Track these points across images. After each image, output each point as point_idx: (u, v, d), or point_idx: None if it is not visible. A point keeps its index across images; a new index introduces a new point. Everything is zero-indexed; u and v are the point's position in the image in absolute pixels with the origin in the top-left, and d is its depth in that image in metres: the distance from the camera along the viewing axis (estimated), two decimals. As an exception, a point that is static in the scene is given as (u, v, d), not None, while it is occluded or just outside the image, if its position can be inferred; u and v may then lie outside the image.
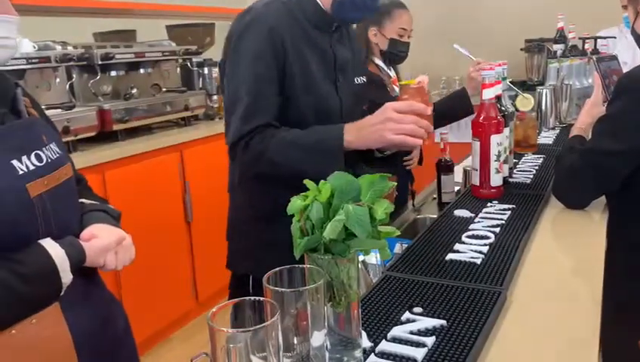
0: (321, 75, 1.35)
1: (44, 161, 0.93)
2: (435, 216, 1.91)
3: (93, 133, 2.45)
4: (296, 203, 0.74)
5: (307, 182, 0.76)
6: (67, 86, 2.43)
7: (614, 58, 1.64)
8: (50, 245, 0.90)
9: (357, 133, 1.22)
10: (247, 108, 1.26)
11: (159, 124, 2.90)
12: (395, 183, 0.79)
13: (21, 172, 0.89)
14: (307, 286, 0.67)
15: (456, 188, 1.99)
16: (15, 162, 0.89)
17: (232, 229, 1.50)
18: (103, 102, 2.56)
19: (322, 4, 1.34)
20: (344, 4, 1.32)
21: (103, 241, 0.98)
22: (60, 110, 2.30)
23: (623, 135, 1.28)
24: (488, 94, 1.46)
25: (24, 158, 0.90)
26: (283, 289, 0.65)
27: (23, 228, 0.88)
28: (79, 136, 2.37)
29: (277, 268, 0.72)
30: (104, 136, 2.54)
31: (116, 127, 2.55)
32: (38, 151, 0.93)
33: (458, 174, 1.98)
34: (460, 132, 3.39)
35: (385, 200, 0.73)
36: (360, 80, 1.50)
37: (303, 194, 0.76)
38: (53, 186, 0.94)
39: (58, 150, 0.99)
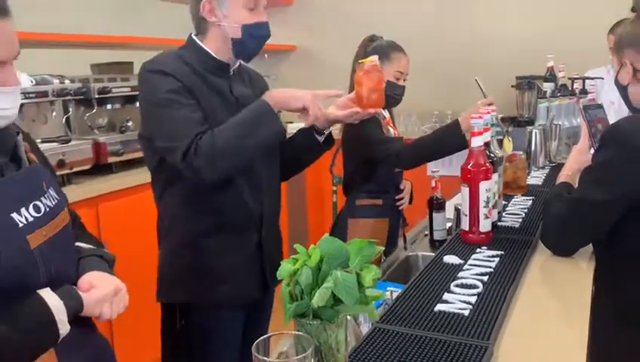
0: (225, 116, 1.45)
1: (42, 211, 0.95)
2: (427, 254, 1.94)
3: (88, 166, 2.47)
4: (285, 267, 0.76)
5: (297, 246, 0.78)
6: (63, 120, 2.45)
7: (600, 107, 1.68)
8: (48, 296, 0.92)
9: (280, 91, 1.48)
10: (182, 126, 1.37)
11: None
12: (383, 248, 0.81)
13: (21, 224, 0.91)
14: (296, 357, 0.68)
15: (448, 225, 2.01)
16: (15, 215, 0.91)
17: (161, 261, 1.58)
18: (99, 135, 2.57)
19: (214, 53, 1.49)
20: (244, 43, 1.47)
21: (101, 292, 1.00)
22: (55, 144, 2.32)
23: (609, 186, 1.30)
24: (477, 142, 1.50)
25: (23, 210, 0.92)
26: (270, 360, 0.67)
27: (25, 279, 0.90)
28: (74, 170, 2.39)
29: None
30: (98, 168, 2.56)
31: (111, 159, 2.57)
32: (37, 202, 0.95)
33: (450, 210, 2.00)
34: (451, 166, 3.42)
35: (373, 267, 0.75)
36: None
37: (293, 257, 0.78)
38: (51, 236, 0.96)
39: (56, 195, 1.01)
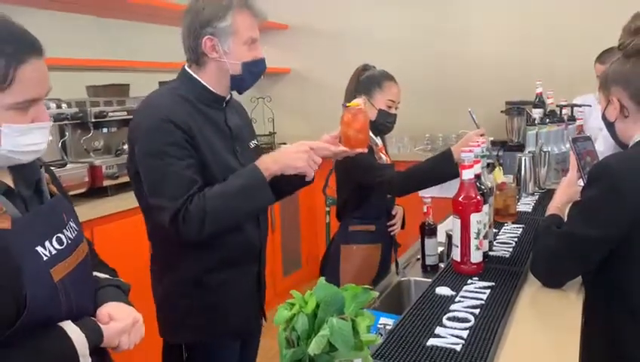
0: (222, 146, 1.50)
1: (65, 244, 0.98)
2: (419, 279, 1.97)
3: (84, 190, 2.48)
4: (282, 313, 0.78)
5: (294, 292, 0.80)
6: (59, 144, 2.47)
7: (589, 139, 1.72)
8: (72, 330, 0.95)
9: (273, 159, 1.45)
10: (174, 186, 1.38)
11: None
12: (377, 293, 0.84)
13: (45, 258, 0.94)
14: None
15: (440, 249, 2.04)
16: (39, 248, 0.93)
17: (162, 300, 1.58)
18: (95, 158, 2.59)
19: (210, 86, 1.51)
20: (243, 79, 1.51)
21: (120, 324, 1.03)
22: (51, 168, 2.33)
23: (597, 222, 1.34)
24: (468, 175, 1.53)
25: (47, 243, 0.95)
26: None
27: (47, 312, 0.93)
28: (70, 193, 2.39)
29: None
30: (93, 191, 2.57)
31: (106, 182, 2.58)
32: (59, 235, 0.98)
33: (441, 234, 2.03)
34: (443, 187, 3.47)
35: (368, 313, 0.78)
36: (253, 143, 1.67)
37: (289, 302, 0.80)
38: (73, 268, 0.99)
39: (75, 227, 1.04)
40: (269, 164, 1.44)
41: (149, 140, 1.41)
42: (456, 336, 1.20)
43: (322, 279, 0.81)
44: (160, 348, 1.89)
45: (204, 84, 1.50)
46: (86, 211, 2.40)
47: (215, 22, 1.45)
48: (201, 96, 1.50)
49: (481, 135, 1.93)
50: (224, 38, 1.46)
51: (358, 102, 1.62)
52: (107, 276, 1.17)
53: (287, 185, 1.62)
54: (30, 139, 0.95)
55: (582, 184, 1.52)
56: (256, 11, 1.50)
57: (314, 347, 0.72)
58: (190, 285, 1.50)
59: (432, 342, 1.18)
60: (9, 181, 0.98)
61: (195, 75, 1.51)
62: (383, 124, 2.13)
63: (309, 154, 1.45)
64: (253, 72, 1.52)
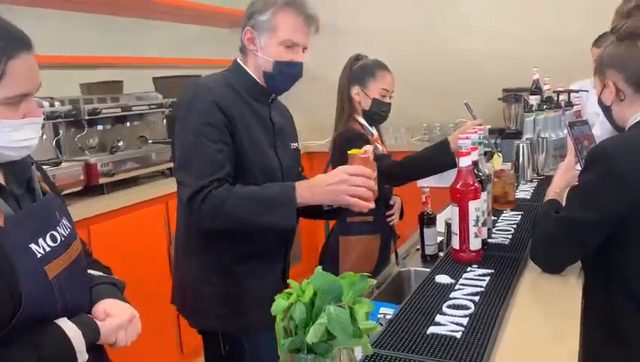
0: (263, 139, 1.51)
1: (59, 241, 0.98)
2: (419, 269, 1.97)
3: (79, 188, 2.46)
4: (279, 303, 0.77)
5: (291, 281, 0.79)
6: (54, 142, 2.45)
7: (585, 123, 1.71)
8: (68, 326, 0.94)
9: (311, 191, 1.38)
10: (202, 165, 1.38)
11: (145, 174, 2.92)
12: (375, 281, 0.83)
13: (39, 255, 0.93)
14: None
15: (440, 239, 2.04)
16: (33, 246, 0.93)
17: (183, 290, 1.58)
18: (90, 156, 2.57)
19: (258, 78, 1.53)
20: (274, 78, 1.51)
21: (117, 321, 1.03)
22: (46, 166, 2.32)
23: (595, 205, 1.33)
24: (465, 162, 1.52)
25: (40, 241, 0.94)
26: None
27: (43, 309, 0.93)
28: (65, 192, 2.38)
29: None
30: (89, 189, 2.55)
31: (102, 180, 2.56)
32: (53, 232, 0.98)
33: (440, 224, 2.02)
34: (442, 178, 3.46)
35: (366, 301, 0.77)
36: (294, 145, 1.66)
37: (287, 291, 0.79)
38: (67, 265, 0.98)
39: (68, 224, 1.03)
40: (304, 192, 1.37)
41: (189, 117, 1.43)
42: (457, 324, 1.20)
43: (319, 268, 0.81)
44: (155, 344, 1.90)
45: (253, 76, 1.53)
46: (82, 209, 2.39)
47: (257, 15, 1.48)
48: (251, 89, 1.53)
49: (479, 125, 1.91)
50: (261, 33, 1.48)
51: (366, 148, 1.44)
52: (102, 274, 1.17)
53: (317, 214, 1.62)
54: (22, 135, 0.95)
55: (579, 168, 1.51)
56: (302, 12, 1.48)
57: (312, 335, 0.72)
58: (217, 273, 1.51)
59: (432, 329, 1.18)
60: (0, 179, 0.98)
61: (245, 67, 1.54)
62: (377, 113, 2.12)
63: (346, 184, 1.34)
64: (284, 73, 1.51)
